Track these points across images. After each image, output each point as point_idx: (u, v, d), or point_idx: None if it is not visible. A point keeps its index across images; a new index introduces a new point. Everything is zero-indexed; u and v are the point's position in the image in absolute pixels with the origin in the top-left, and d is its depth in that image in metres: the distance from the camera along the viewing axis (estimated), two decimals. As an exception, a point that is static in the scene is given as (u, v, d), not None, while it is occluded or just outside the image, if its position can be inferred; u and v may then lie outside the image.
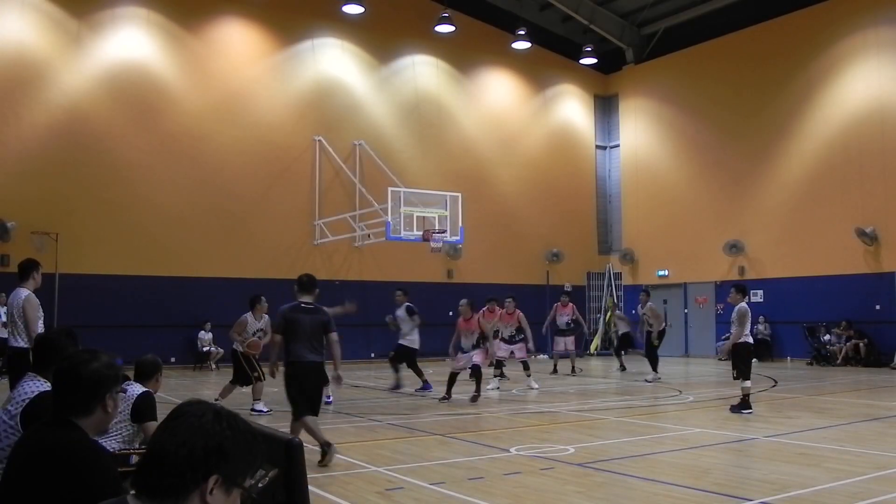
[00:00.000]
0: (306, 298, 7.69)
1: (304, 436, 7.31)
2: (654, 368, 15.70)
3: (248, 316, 11.23)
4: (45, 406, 3.02)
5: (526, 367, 14.72)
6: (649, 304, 16.03)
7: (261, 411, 10.79)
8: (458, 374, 12.70)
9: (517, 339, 14.76)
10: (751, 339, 11.06)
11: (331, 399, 11.83)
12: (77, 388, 2.63)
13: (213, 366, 19.07)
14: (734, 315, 10.88)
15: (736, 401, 10.90)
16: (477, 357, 12.59)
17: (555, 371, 17.73)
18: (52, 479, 2.43)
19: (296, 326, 7.46)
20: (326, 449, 7.15)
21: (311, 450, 7.59)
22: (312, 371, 7.52)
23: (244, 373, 11.07)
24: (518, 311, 14.82)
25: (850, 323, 20.00)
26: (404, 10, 23.54)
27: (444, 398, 12.32)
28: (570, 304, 17.50)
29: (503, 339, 14.81)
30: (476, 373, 12.54)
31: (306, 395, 7.51)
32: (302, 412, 7.44)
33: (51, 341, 3.93)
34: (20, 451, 2.62)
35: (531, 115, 26.09)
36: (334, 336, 7.61)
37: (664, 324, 16.07)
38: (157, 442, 1.78)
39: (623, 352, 18.76)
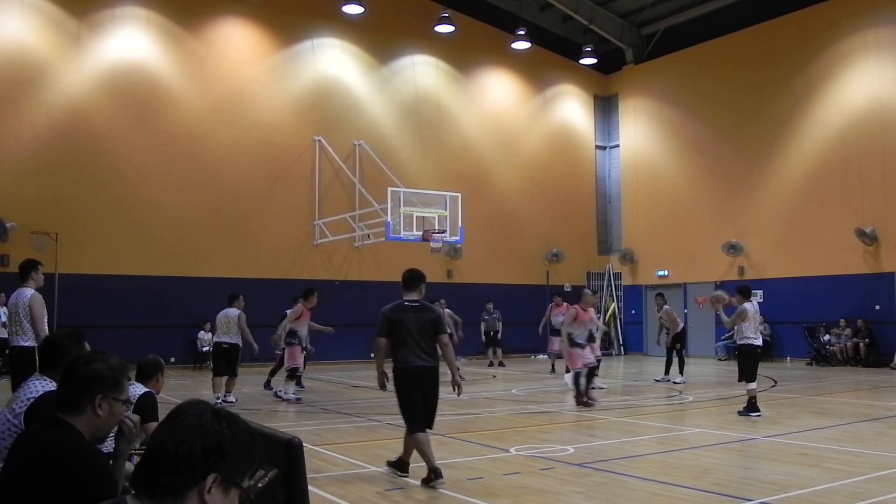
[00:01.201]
0: (411, 296, 7.00)
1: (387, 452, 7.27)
2: (667, 371, 15.76)
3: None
4: (49, 406, 3.01)
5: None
6: (665, 307, 16.02)
7: (232, 402, 11.51)
8: (593, 367, 12.16)
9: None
10: (758, 341, 10.90)
11: (292, 398, 12.30)
12: (71, 383, 2.63)
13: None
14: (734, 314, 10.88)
15: (740, 404, 10.86)
16: (593, 353, 12.31)
17: (553, 371, 17.75)
18: (45, 479, 2.43)
19: (400, 328, 6.76)
20: (434, 476, 6.42)
21: (312, 450, 7.58)
22: (422, 376, 6.70)
23: (234, 366, 11.77)
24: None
25: (847, 321, 20.02)
26: (404, 10, 23.53)
27: (587, 401, 11.58)
28: (565, 304, 17.50)
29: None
30: (593, 370, 12.17)
31: (421, 405, 6.70)
32: (417, 426, 6.66)
33: (57, 343, 3.90)
34: (17, 450, 2.61)
35: (531, 115, 26.09)
36: (444, 338, 6.89)
37: (681, 325, 16.07)
38: (156, 440, 1.79)
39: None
